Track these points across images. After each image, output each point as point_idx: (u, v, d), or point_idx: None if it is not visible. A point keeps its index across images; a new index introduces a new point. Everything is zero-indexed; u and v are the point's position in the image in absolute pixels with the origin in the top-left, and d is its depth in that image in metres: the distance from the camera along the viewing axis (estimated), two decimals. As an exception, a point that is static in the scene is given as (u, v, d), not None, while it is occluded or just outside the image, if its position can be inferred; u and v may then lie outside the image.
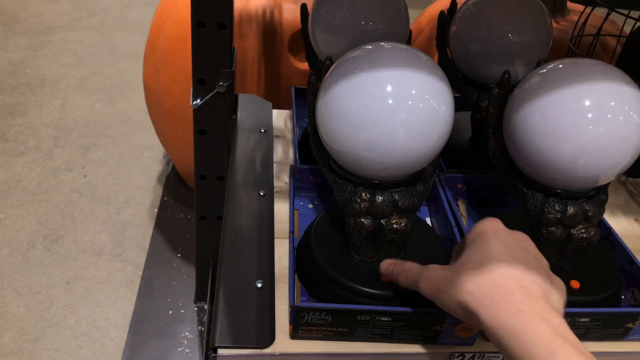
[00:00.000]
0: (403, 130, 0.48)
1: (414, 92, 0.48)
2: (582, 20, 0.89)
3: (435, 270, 0.47)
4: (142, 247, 1.25)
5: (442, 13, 0.78)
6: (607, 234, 0.63)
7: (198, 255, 1.02)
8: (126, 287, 1.16)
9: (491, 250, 0.45)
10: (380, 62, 0.49)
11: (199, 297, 1.12)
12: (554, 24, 1.17)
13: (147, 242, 1.27)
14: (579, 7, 1.22)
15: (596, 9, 0.90)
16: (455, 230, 0.59)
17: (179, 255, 1.24)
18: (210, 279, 1.05)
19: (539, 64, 0.59)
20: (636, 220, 0.73)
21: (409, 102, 0.48)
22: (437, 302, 0.46)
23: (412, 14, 1.27)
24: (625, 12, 0.82)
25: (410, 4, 0.74)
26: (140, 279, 1.17)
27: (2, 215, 1.32)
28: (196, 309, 1.11)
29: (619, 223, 0.72)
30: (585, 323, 0.52)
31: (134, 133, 1.65)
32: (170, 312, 1.10)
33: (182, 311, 1.11)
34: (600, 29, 0.86)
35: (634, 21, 0.82)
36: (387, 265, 0.53)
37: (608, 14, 0.88)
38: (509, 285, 0.42)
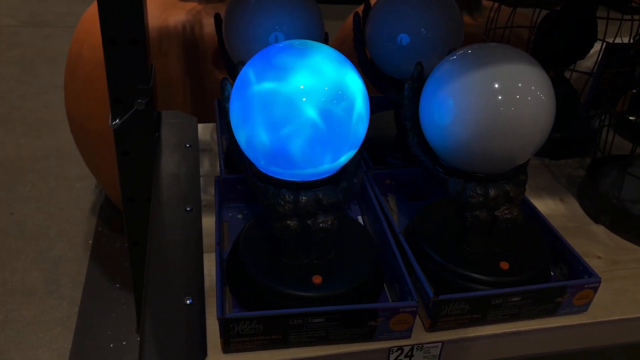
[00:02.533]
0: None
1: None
2: (492, 14, 0.92)
3: None
4: (77, 282, 1.19)
5: (356, 14, 0.79)
6: (533, 214, 0.64)
7: (135, 282, 0.98)
8: (62, 325, 1.09)
9: None
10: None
11: (141, 326, 1.07)
12: (470, 21, 1.21)
13: (83, 275, 1.21)
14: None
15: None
16: (385, 224, 0.59)
17: (117, 285, 1.19)
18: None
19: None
20: (561, 200, 0.75)
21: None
22: None
23: (337, 25, 1.29)
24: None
25: (334, 15, 0.74)
26: (76, 315, 1.11)
27: None
28: (139, 338, 1.06)
29: (545, 204, 0.73)
30: (517, 302, 0.53)
31: (63, 165, 1.59)
32: (112, 345, 1.05)
33: (124, 343, 1.06)
34: (509, 20, 0.89)
35: (539, 12, 0.86)
36: None
37: (514, 10, 0.92)
38: None
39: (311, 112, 0.45)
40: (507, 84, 0.51)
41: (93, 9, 1.15)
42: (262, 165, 0.50)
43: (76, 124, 1.21)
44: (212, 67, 1.08)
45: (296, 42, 0.48)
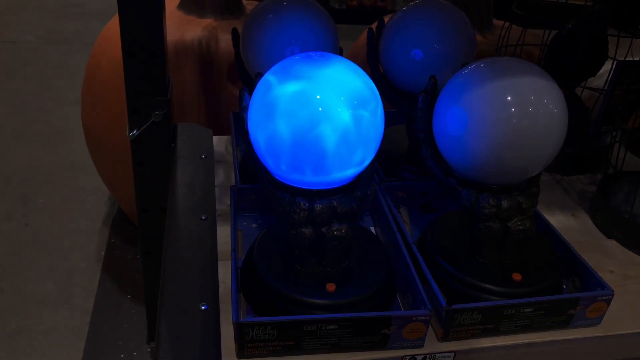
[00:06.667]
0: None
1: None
2: (503, 32, 0.93)
3: None
4: (89, 292, 1.20)
5: (370, 30, 0.80)
6: (545, 228, 0.64)
7: (147, 292, 0.99)
8: (74, 335, 1.10)
9: None
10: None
11: (152, 336, 1.08)
12: (482, 39, 1.23)
13: (95, 286, 1.22)
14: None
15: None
16: (398, 235, 0.59)
17: (129, 296, 1.19)
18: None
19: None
20: (573, 215, 0.75)
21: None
22: None
23: (348, 44, 1.31)
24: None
25: (345, 35, 0.76)
26: (88, 325, 1.12)
27: (-64, 273, 1.24)
28: (149, 349, 1.07)
29: (557, 219, 0.73)
30: (529, 313, 0.53)
31: (77, 177, 1.61)
32: (122, 355, 1.06)
33: (135, 353, 1.06)
34: (520, 38, 0.91)
35: (549, 31, 0.87)
36: None
37: (524, 31, 0.93)
38: None
39: (341, 114, 0.46)
40: (520, 96, 0.52)
41: (111, 25, 1.17)
42: (283, 170, 0.51)
43: (92, 136, 1.23)
44: (227, 82, 1.10)
45: (318, 53, 0.50)
